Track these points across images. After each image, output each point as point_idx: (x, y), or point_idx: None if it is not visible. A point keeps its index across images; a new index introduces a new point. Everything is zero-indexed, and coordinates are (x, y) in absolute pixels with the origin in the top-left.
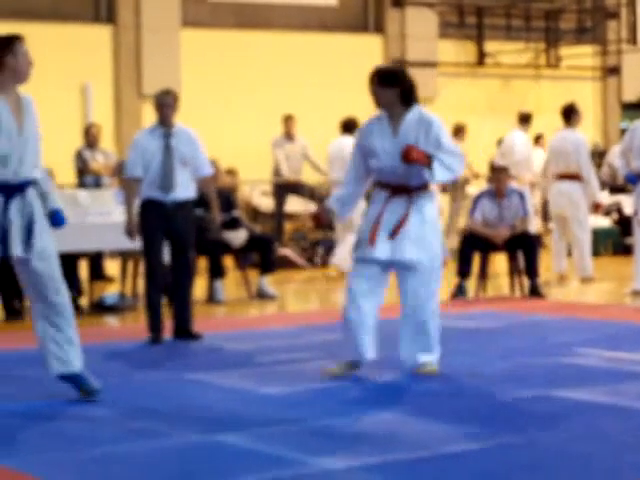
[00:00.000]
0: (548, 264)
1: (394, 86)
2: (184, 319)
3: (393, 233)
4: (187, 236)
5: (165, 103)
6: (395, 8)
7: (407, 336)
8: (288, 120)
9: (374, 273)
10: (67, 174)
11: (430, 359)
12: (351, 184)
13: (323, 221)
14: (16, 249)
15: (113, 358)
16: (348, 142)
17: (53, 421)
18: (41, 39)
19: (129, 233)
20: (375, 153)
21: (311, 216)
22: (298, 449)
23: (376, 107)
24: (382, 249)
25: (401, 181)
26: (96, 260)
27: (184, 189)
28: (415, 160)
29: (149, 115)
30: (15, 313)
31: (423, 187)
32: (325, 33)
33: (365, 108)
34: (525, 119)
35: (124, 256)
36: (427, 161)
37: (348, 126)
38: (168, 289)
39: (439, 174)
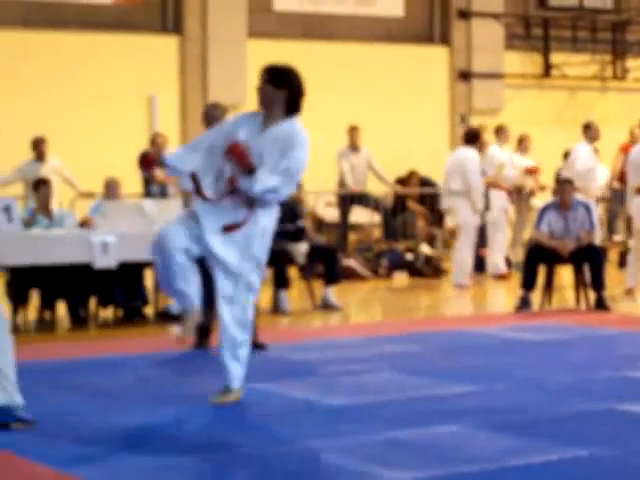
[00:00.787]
0: (613, 277)
1: (282, 88)
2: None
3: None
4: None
5: (212, 115)
6: (461, 19)
7: None
8: (353, 131)
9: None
10: (133, 184)
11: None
12: (196, 151)
13: (151, 165)
14: None
15: (178, 367)
16: (469, 154)
17: (112, 427)
18: (109, 49)
19: None
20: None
21: (140, 156)
22: (363, 460)
23: (258, 106)
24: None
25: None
26: None
27: None
28: (234, 159)
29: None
30: (81, 321)
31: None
32: (391, 44)
33: (431, 119)
34: (589, 130)
35: None
36: (246, 167)
37: (471, 137)
38: None
39: (257, 186)
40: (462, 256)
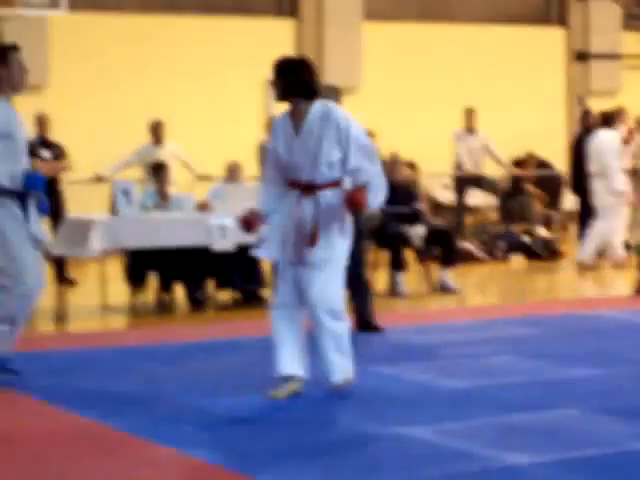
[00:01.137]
0: None
1: (291, 76)
2: (364, 312)
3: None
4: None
5: (326, 97)
6: (578, 0)
7: None
8: (469, 113)
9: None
10: (250, 167)
11: None
12: (270, 184)
13: (254, 225)
14: None
15: None
16: (606, 136)
17: (238, 410)
18: (225, 33)
19: None
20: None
21: (240, 220)
22: (482, 444)
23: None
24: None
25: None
26: None
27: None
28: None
29: None
30: (198, 303)
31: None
32: (507, 25)
33: (547, 101)
34: None
35: None
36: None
37: (607, 120)
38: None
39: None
40: (596, 235)
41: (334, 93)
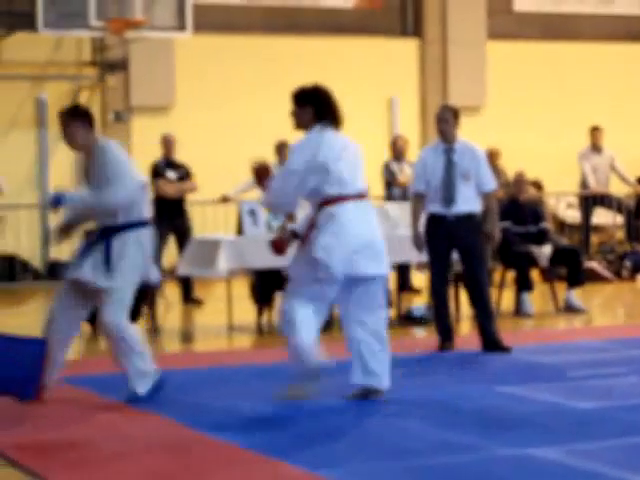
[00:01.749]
0: None
1: (307, 105)
2: (490, 331)
3: None
4: (473, 249)
5: (442, 118)
6: None
7: None
8: (595, 132)
9: None
10: (375, 186)
11: None
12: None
13: (284, 248)
14: None
15: (423, 369)
16: None
17: (366, 430)
18: (349, 53)
19: (416, 246)
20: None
21: (271, 244)
22: (612, 465)
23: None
24: None
25: None
26: (404, 272)
27: (465, 203)
28: None
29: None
30: (325, 322)
31: None
32: (633, 43)
33: None
34: None
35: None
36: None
37: None
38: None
39: None
40: None
41: (451, 114)
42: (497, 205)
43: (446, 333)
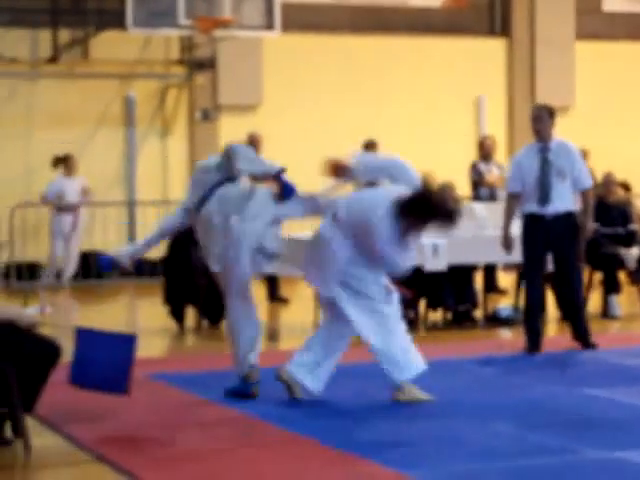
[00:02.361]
0: None
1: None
2: (581, 332)
3: None
4: (566, 248)
5: (537, 117)
6: None
7: None
8: None
9: None
10: (462, 186)
11: None
12: None
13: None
14: None
15: (509, 371)
16: None
17: (451, 432)
18: (437, 53)
19: (505, 246)
20: None
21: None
22: None
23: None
24: None
25: None
26: (490, 272)
27: (562, 201)
28: None
29: None
30: (410, 322)
31: None
32: None
33: None
34: None
35: (518, 269)
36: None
37: None
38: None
39: None
40: None
41: (547, 112)
42: (594, 203)
43: (535, 336)
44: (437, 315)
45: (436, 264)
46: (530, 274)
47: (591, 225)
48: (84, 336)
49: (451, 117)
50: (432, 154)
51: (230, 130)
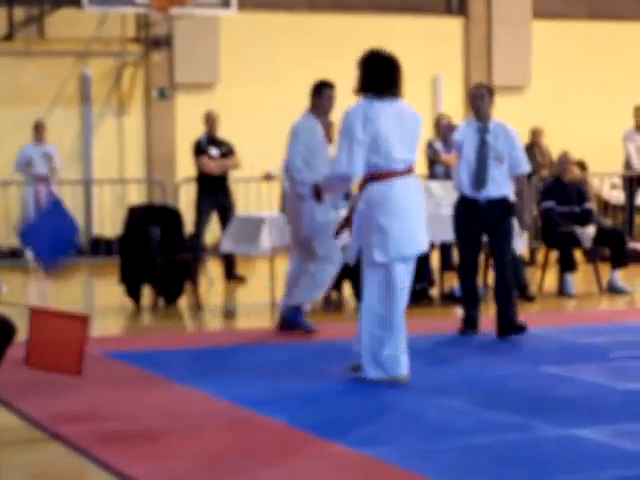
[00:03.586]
0: None
1: (359, 69)
2: (507, 316)
3: None
4: (501, 233)
5: (477, 94)
6: None
7: None
8: (639, 111)
9: None
10: (418, 164)
11: None
12: None
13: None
14: None
15: (465, 349)
16: None
17: (412, 410)
18: (394, 31)
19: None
20: None
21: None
22: None
23: None
24: None
25: None
26: (447, 251)
27: (497, 187)
28: None
29: (499, 106)
30: (332, 304)
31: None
32: None
33: None
34: None
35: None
36: None
37: None
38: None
39: None
40: None
41: (487, 91)
42: (530, 190)
43: (471, 320)
44: None
45: None
46: (462, 257)
47: (528, 215)
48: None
49: (408, 95)
50: None
51: (187, 108)
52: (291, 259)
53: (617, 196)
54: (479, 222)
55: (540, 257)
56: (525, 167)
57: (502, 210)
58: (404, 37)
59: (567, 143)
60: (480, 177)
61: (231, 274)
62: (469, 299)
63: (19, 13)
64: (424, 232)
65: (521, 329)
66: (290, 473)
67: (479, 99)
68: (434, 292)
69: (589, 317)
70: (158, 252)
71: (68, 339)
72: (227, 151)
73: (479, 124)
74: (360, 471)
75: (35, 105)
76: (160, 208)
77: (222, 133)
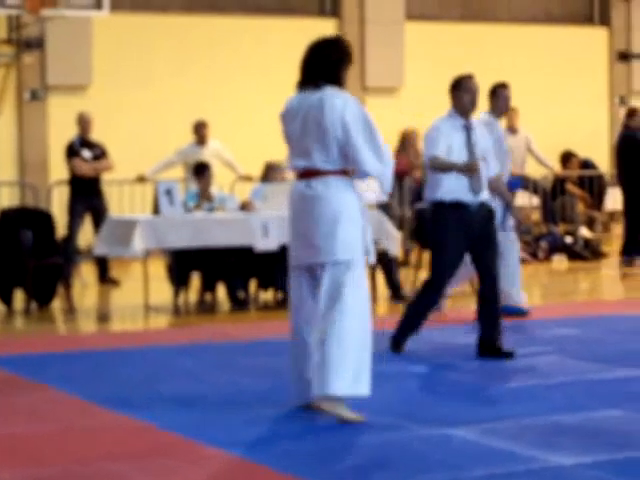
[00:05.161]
0: None
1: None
2: (490, 334)
3: None
4: (488, 238)
5: (473, 88)
6: (621, 0)
7: None
8: (511, 113)
9: None
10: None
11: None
12: None
13: None
14: None
15: None
16: None
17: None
18: (267, 33)
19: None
20: None
21: None
22: (527, 444)
23: None
24: None
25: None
26: None
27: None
28: None
29: (372, 108)
30: (240, 303)
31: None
32: (550, 25)
33: (590, 101)
34: None
35: None
36: None
37: None
38: None
39: None
40: None
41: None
42: (404, 191)
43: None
44: (268, 295)
45: (266, 244)
46: (447, 271)
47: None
48: None
49: (284, 98)
50: (264, 134)
51: (59, 110)
52: None
53: None
54: (468, 230)
55: (413, 258)
56: (498, 167)
57: (489, 213)
58: (278, 39)
59: None
60: (478, 180)
61: (105, 277)
62: (418, 321)
63: None
64: None
65: (507, 355)
66: (162, 476)
67: (476, 94)
68: None
69: (463, 317)
70: (30, 255)
71: None
72: (100, 153)
73: (463, 120)
74: (227, 472)
75: None
76: (33, 211)
77: (95, 135)
